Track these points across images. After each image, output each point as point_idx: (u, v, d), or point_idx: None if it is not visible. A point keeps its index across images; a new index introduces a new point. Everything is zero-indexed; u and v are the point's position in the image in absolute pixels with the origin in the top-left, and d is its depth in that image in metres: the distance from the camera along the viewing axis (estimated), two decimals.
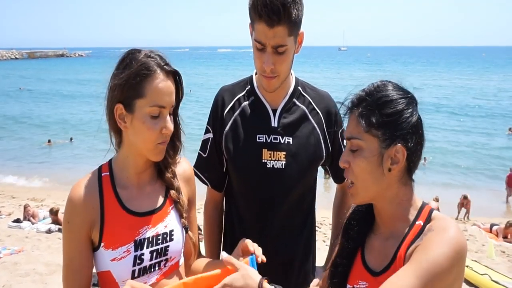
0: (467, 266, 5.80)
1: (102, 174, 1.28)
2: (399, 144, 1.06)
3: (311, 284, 1.66)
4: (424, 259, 0.95)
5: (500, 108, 27.56)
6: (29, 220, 8.64)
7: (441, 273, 0.94)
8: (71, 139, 18.47)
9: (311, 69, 57.98)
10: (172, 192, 1.33)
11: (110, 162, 1.31)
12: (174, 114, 1.28)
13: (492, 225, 8.63)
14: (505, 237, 8.38)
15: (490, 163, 15.48)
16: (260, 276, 1.13)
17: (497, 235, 8.43)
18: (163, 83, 1.20)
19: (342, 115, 1.17)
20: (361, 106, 1.09)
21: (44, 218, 8.83)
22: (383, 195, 1.10)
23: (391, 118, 1.05)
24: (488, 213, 10.72)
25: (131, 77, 1.19)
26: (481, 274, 5.51)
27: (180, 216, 1.33)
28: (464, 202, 10.27)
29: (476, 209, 10.52)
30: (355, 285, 1.14)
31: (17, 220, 8.57)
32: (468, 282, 5.74)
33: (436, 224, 1.04)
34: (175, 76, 1.25)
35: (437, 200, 9.87)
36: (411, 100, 1.09)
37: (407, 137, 1.06)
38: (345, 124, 1.18)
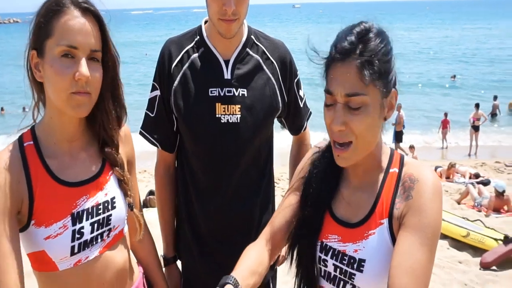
0: None
1: (24, 144, 1.08)
2: (393, 89, 0.99)
3: None
4: (423, 224, 0.92)
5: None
6: None
7: (440, 227, 0.94)
8: (24, 108, 17.29)
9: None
10: (116, 169, 1.18)
11: (32, 129, 1.12)
12: (106, 63, 1.09)
13: (436, 167, 9.15)
14: (447, 178, 8.96)
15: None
16: None
17: (440, 176, 8.96)
18: (75, 20, 1.02)
19: (322, 69, 1.00)
20: (358, 55, 0.92)
21: None
22: (373, 147, 1.02)
23: (387, 64, 0.95)
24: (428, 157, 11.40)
25: (41, 15, 1.03)
26: None
27: (125, 194, 1.20)
28: (411, 151, 10.78)
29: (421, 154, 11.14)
30: (324, 240, 1.07)
31: None
32: None
33: (415, 172, 1.00)
34: (97, 18, 1.06)
35: (413, 148, 10.34)
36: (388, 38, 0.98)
37: (396, 80, 0.99)
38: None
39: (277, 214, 1.18)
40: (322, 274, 1.08)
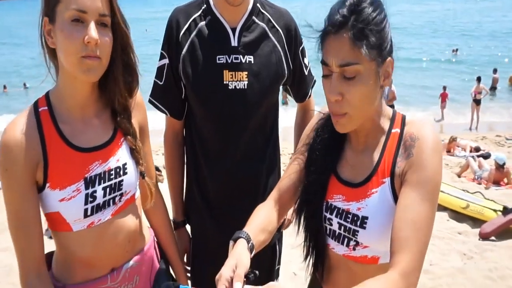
0: None
1: (39, 109, 1.12)
2: (389, 57, 1.00)
3: None
4: (424, 180, 0.96)
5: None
6: None
7: (440, 182, 0.98)
8: (24, 84, 17.08)
9: None
10: (128, 138, 1.22)
11: (47, 95, 1.15)
12: (115, 30, 1.11)
13: None
14: (448, 151, 8.99)
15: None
16: None
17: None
18: None
19: (317, 41, 1.01)
20: (350, 26, 0.94)
21: None
22: (370, 114, 1.04)
23: (381, 34, 0.96)
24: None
25: None
26: None
27: (137, 163, 1.23)
28: None
29: None
30: (329, 200, 1.12)
31: None
32: None
33: (416, 130, 1.02)
34: None
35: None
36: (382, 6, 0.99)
37: (392, 48, 1.01)
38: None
39: (283, 178, 1.23)
40: (328, 232, 1.14)
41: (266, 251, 1.67)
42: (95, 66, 1.06)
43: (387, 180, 1.03)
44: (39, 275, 1.12)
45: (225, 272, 0.91)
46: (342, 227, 1.09)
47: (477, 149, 8.74)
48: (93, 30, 1.03)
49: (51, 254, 1.25)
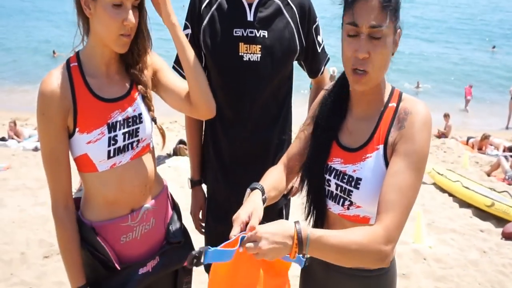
0: (441, 174, 6.14)
1: (71, 65, 1.33)
2: (399, 29, 1.12)
3: None
4: (412, 151, 1.07)
5: None
6: (13, 138, 8.63)
7: (427, 155, 1.08)
8: (54, 52, 17.98)
9: None
10: (140, 87, 1.41)
11: (77, 53, 1.36)
12: (140, 9, 1.32)
13: (468, 138, 8.97)
14: (480, 149, 8.78)
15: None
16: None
17: (472, 147, 8.80)
18: None
19: (342, 4, 1.12)
20: None
21: (30, 137, 8.81)
22: (381, 79, 1.16)
23: (399, 4, 1.10)
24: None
25: None
26: (454, 181, 5.83)
27: (148, 108, 1.43)
28: (446, 119, 10.54)
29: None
30: (329, 163, 1.24)
31: (2, 139, 8.57)
32: (441, 189, 6.11)
33: (410, 106, 1.14)
34: None
35: (447, 116, 10.25)
36: None
37: (399, 18, 1.11)
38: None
39: (292, 146, 1.37)
40: (326, 193, 1.24)
41: (273, 215, 1.81)
42: (128, 42, 1.31)
43: (381, 147, 1.14)
44: (67, 208, 1.35)
45: (242, 215, 1.06)
46: (339, 188, 1.20)
47: (510, 149, 8.49)
48: (131, 15, 1.26)
49: (79, 199, 1.45)
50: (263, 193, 1.17)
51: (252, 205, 1.10)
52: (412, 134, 1.08)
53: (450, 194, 5.84)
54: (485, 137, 8.83)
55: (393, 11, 1.06)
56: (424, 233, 4.27)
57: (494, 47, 21.82)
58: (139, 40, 1.36)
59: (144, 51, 1.39)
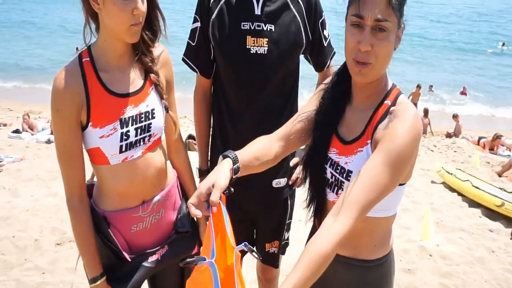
0: (450, 174, 6.10)
1: (83, 60, 1.33)
2: (403, 24, 1.13)
3: (291, 162, 1.79)
4: (391, 148, 1.06)
5: None
6: (26, 131, 8.79)
7: (405, 159, 1.07)
8: (77, 48, 18.06)
9: None
10: (152, 75, 1.41)
11: (89, 48, 1.36)
12: None
13: (480, 138, 8.88)
14: (491, 149, 8.69)
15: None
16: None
17: (484, 147, 8.71)
18: None
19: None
20: None
21: (43, 129, 8.98)
22: (383, 72, 1.16)
23: (405, 0, 1.10)
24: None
25: None
26: (463, 181, 5.79)
27: (161, 97, 1.44)
28: (456, 120, 10.45)
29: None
30: (327, 152, 1.26)
31: (17, 131, 8.73)
32: (450, 188, 6.07)
33: (400, 110, 1.12)
34: None
35: (457, 116, 10.21)
36: None
37: (404, 14, 1.13)
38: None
39: (295, 120, 1.34)
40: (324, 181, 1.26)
41: (278, 206, 1.86)
42: (138, 31, 1.31)
43: (369, 142, 1.16)
44: (81, 200, 1.37)
45: (202, 187, 1.04)
46: (333, 177, 1.23)
47: None
48: (140, 4, 1.26)
49: (92, 185, 1.47)
50: (235, 162, 1.13)
51: (215, 176, 1.06)
52: (393, 135, 1.07)
53: (459, 194, 5.80)
54: (497, 137, 8.74)
55: (398, 6, 1.08)
56: (432, 231, 4.26)
57: (503, 44, 21.40)
58: (148, 24, 1.36)
59: (154, 37, 1.40)
